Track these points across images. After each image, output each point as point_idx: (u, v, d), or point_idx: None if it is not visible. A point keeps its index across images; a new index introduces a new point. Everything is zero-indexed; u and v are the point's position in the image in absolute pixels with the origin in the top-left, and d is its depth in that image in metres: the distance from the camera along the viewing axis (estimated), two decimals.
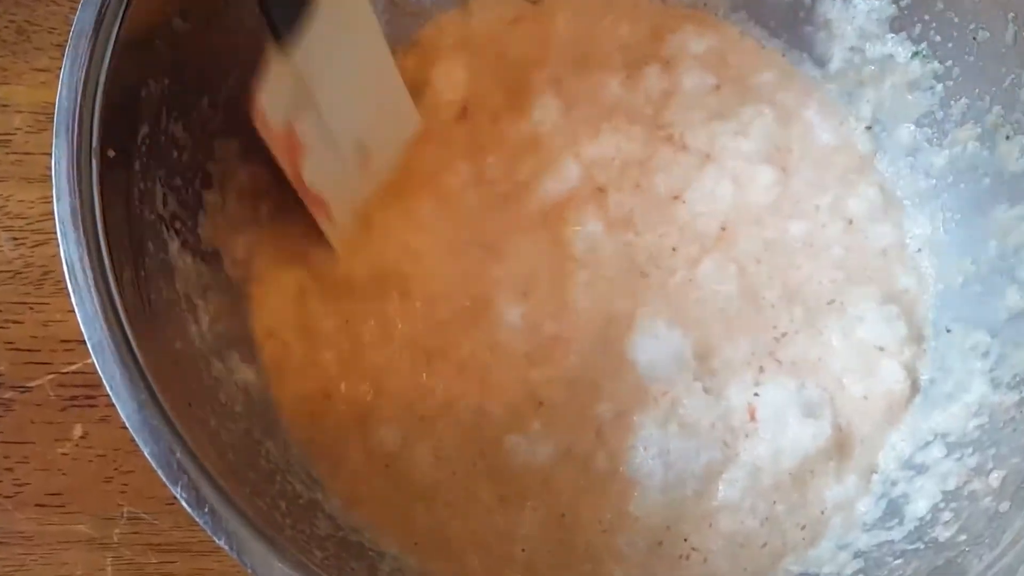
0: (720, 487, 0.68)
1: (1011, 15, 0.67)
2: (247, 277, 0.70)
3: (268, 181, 0.67)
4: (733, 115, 0.77)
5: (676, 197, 0.75)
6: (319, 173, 0.66)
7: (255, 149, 0.63)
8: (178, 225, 0.62)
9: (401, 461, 0.68)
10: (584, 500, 0.68)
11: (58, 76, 0.54)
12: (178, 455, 0.51)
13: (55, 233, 0.52)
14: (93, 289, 0.52)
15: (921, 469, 0.68)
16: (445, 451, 0.68)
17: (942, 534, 0.63)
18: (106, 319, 0.52)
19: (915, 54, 0.74)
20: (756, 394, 0.70)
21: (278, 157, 0.62)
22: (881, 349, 0.73)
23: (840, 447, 0.70)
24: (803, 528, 0.68)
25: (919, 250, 0.76)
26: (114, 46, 0.55)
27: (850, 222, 0.76)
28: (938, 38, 0.72)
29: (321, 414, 0.68)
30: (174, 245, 0.62)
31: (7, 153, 0.77)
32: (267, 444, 0.63)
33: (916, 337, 0.73)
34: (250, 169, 0.68)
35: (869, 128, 0.79)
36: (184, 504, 0.50)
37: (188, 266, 0.63)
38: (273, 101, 0.60)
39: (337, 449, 0.68)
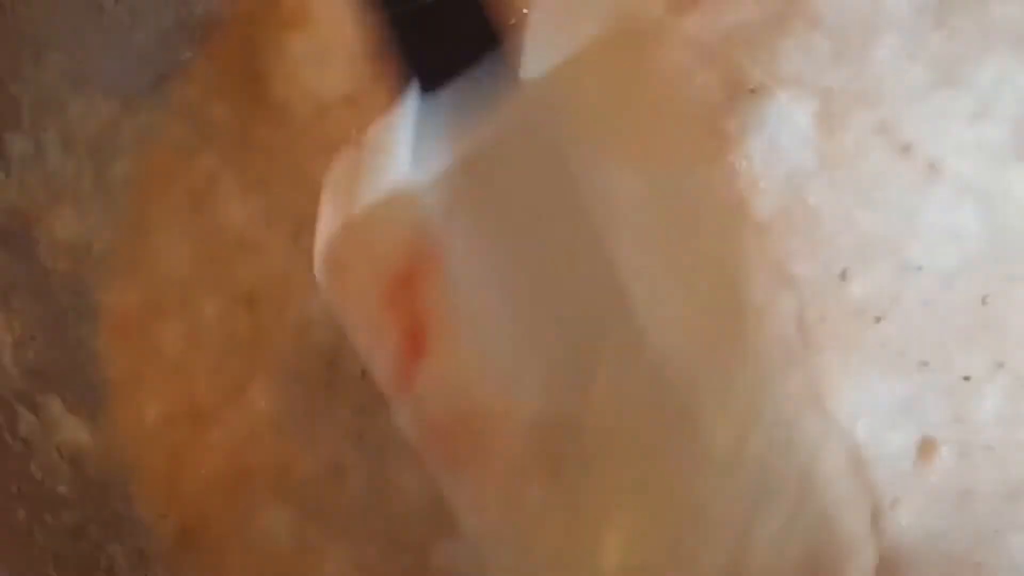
0: None
1: None
2: (79, 271, 0.59)
3: (116, 111, 0.58)
4: (958, 78, 0.49)
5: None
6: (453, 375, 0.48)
7: (93, 66, 0.56)
8: None
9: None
10: None
11: None
12: None
13: None
14: None
15: None
16: None
17: None
18: None
19: None
20: None
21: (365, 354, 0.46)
22: None
23: None
24: None
25: None
26: None
27: None
28: None
29: (198, 496, 0.57)
30: None
31: None
32: (111, 550, 0.53)
33: None
34: (84, 100, 0.58)
35: None
36: None
37: None
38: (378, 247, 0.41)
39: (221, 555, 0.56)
